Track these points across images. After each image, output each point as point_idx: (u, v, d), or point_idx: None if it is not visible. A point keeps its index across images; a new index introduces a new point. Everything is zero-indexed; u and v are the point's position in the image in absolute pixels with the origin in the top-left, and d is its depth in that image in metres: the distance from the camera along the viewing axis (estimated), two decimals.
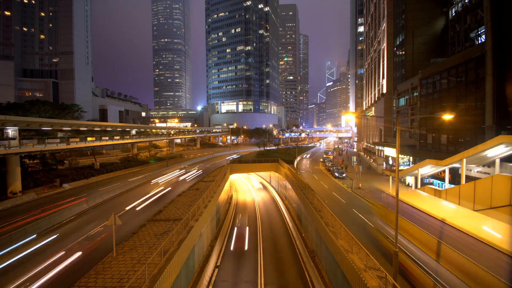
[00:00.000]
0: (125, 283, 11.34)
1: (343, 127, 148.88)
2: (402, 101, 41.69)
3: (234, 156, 72.56)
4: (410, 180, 32.86)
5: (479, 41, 27.28)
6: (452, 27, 34.36)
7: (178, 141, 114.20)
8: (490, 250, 8.84)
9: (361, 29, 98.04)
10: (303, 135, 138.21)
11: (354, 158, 46.48)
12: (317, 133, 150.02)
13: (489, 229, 10.01)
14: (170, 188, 32.31)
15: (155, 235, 16.69)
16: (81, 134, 45.70)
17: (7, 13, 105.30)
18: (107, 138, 47.48)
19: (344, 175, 43.54)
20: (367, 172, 46.81)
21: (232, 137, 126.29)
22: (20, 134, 31.02)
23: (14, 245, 16.24)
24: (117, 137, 51.52)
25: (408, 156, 35.72)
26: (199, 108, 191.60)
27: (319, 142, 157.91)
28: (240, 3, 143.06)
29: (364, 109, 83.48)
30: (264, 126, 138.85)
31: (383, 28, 53.43)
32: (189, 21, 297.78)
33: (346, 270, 12.62)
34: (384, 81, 52.40)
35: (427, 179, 28.67)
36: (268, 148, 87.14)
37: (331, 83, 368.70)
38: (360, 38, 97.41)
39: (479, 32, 27.35)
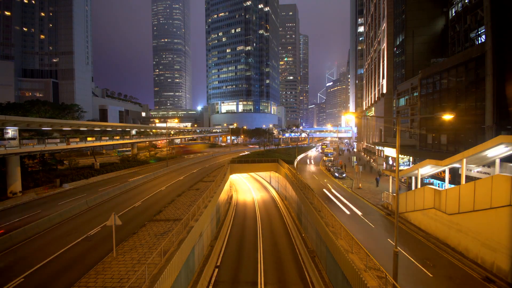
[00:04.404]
0: (125, 283, 11.34)
1: (343, 127, 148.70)
2: (402, 101, 41.67)
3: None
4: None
5: (479, 41, 27.25)
6: (452, 27, 34.32)
7: (178, 141, 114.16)
8: None
9: (361, 29, 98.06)
10: (303, 135, 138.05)
11: (354, 158, 46.47)
12: (317, 133, 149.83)
13: None
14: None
15: (155, 235, 16.68)
16: (81, 134, 45.72)
17: (7, 13, 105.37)
18: (107, 138, 47.47)
19: (344, 175, 43.56)
20: (366, 172, 46.80)
21: (232, 137, 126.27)
22: (20, 134, 31.00)
23: (15, 245, 16.24)
24: (117, 137, 51.55)
25: (408, 156, 35.69)
26: (199, 108, 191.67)
27: (319, 141, 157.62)
28: (240, 3, 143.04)
29: (364, 109, 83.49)
30: (264, 126, 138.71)
31: (383, 28, 53.45)
32: (189, 21, 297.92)
33: (346, 270, 12.61)
34: (384, 81, 52.42)
35: (427, 179, 28.64)
36: (268, 148, 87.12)
37: (331, 83, 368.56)
38: (360, 38, 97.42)
39: (479, 32, 27.32)
